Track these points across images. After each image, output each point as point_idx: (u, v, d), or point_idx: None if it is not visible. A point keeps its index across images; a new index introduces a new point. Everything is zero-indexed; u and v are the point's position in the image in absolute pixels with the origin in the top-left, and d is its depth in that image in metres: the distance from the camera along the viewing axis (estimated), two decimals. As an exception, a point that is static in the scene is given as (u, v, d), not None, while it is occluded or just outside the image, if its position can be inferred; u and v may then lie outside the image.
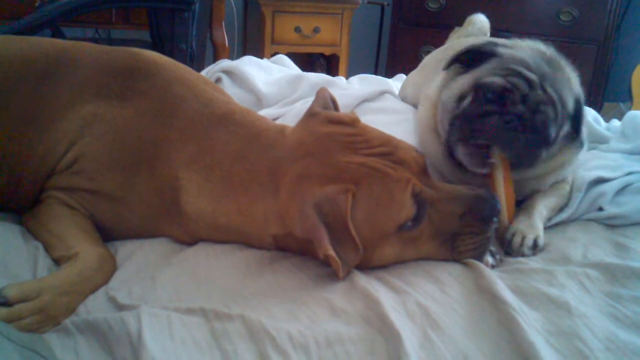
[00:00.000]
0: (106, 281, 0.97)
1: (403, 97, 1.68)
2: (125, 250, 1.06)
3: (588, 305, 0.90)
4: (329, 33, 3.30)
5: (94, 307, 0.90)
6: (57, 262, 1.00)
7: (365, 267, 0.96)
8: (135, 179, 1.06)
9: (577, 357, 0.80)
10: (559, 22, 3.20)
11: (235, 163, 1.01)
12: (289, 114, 1.52)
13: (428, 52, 2.09)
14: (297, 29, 3.23)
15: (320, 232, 0.87)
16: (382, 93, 1.65)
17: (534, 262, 1.04)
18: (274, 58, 2.06)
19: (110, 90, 1.10)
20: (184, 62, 2.04)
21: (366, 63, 3.84)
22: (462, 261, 0.99)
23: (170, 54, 2.09)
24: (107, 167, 1.06)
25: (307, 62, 3.59)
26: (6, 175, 1.09)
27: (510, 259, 1.07)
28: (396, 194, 0.93)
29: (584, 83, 1.20)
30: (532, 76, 1.09)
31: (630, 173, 1.27)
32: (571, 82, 1.16)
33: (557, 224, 1.19)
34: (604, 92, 3.46)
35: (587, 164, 1.34)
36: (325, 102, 1.06)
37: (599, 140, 1.54)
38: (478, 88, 1.12)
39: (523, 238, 1.08)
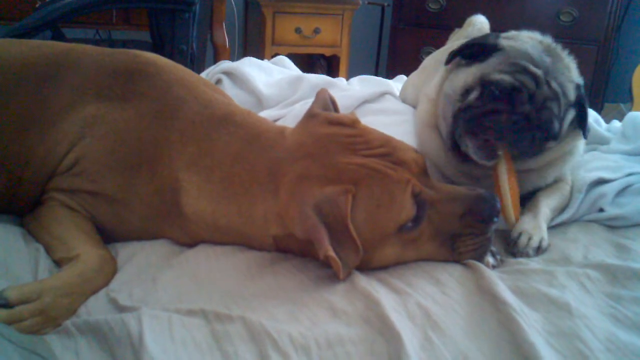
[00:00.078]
0: (107, 283, 0.97)
1: (403, 98, 1.68)
2: (126, 251, 1.06)
3: (588, 306, 0.90)
4: (330, 34, 3.30)
5: (95, 308, 0.90)
6: (58, 263, 1.00)
7: (366, 268, 0.96)
8: (136, 181, 1.06)
9: (578, 358, 0.80)
10: (559, 22, 3.20)
11: (235, 164, 1.01)
12: (289, 115, 1.52)
13: (428, 52, 2.09)
14: (298, 30, 3.23)
15: (321, 233, 0.87)
16: (382, 94, 1.65)
17: (534, 263, 1.04)
18: (274, 59, 2.06)
19: (111, 92, 1.10)
20: (185, 63, 2.05)
21: (366, 64, 3.84)
22: (463, 262, 0.99)
23: (170, 54, 2.10)
24: (107, 169, 1.07)
25: (307, 63, 3.59)
26: (7, 177, 1.09)
27: (511, 260, 1.07)
28: (396, 195, 0.93)
29: (584, 84, 1.20)
30: (538, 72, 1.10)
31: (630, 174, 1.27)
32: (571, 71, 1.17)
33: (557, 225, 1.19)
34: (605, 93, 3.46)
35: (587, 165, 1.34)
36: (325, 103, 1.07)
37: (600, 141, 1.54)
38: (485, 84, 1.12)
39: (529, 239, 1.08)
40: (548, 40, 1.19)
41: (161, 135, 1.06)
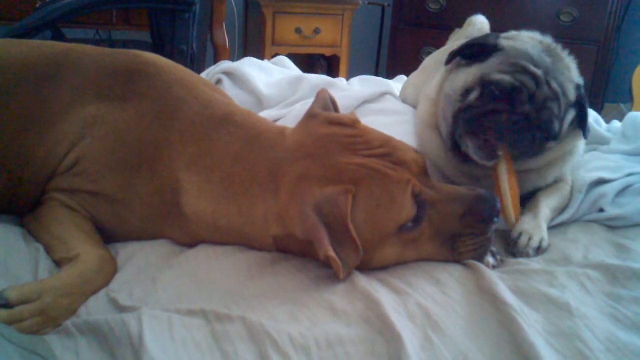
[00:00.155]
0: (107, 283, 0.97)
1: (403, 99, 1.68)
2: (126, 251, 1.06)
3: (588, 306, 0.90)
4: (330, 34, 3.30)
5: (95, 308, 0.90)
6: (58, 263, 1.00)
7: (366, 268, 0.96)
8: (136, 181, 1.06)
9: (578, 358, 0.80)
10: (559, 22, 3.20)
11: (235, 164, 1.01)
12: (289, 115, 1.52)
13: (428, 52, 2.09)
14: (298, 30, 3.23)
15: (321, 233, 0.87)
16: (382, 94, 1.65)
17: (534, 263, 1.04)
18: (274, 59, 2.06)
19: (110, 92, 1.10)
20: (185, 63, 2.05)
21: (366, 64, 3.85)
22: (463, 262, 0.99)
23: (170, 54, 2.10)
24: (107, 169, 1.07)
25: (307, 63, 3.59)
26: (7, 177, 1.09)
27: (511, 260, 1.07)
28: (396, 195, 0.93)
29: (584, 84, 1.20)
30: (538, 72, 1.10)
31: (630, 174, 1.27)
32: (570, 70, 1.17)
33: (557, 225, 1.19)
34: (605, 93, 3.46)
35: (587, 165, 1.34)
36: (325, 103, 1.07)
37: (600, 141, 1.54)
38: (485, 84, 1.12)
39: (529, 239, 1.09)
40: (548, 40, 1.19)
41: (161, 135, 1.06)
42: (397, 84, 1.90)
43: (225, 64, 1.78)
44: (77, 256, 0.98)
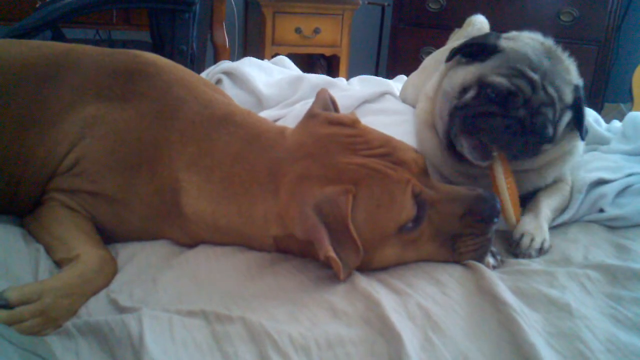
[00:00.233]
0: (107, 283, 0.97)
1: (403, 99, 1.68)
2: (126, 252, 1.06)
3: (589, 307, 0.90)
4: (330, 34, 3.30)
5: (95, 309, 0.90)
6: (59, 264, 1.00)
7: (366, 268, 0.96)
8: (136, 181, 1.06)
9: (578, 359, 0.80)
10: (559, 22, 3.20)
11: (235, 164, 1.01)
12: (289, 115, 1.52)
13: (429, 52, 2.09)
14: (298, 30, 3.23)
15: (321, 233, 0.87)
16: (382, 94, 1.65)
17: (535, 264, 1.04)
18: (274, 59, 2.06)
19: (111, 92, 1.10)
20: (185, 63, 2.05)
21: (367, 64, 3.84)
22: (463, 263, 0.99)
23: (170, 55, 2.10)
24: (108, 169, 1.07)
25: (307, 63, 3.59)
26: (7, 177, 1.09)
27: (511, 260, 1.07)
28: (396, 195, 0.93)
29: (584, 84, 1.20)
30: (535, 77, 1.10)
31: (631, 174, 1.27)
32: (570, 72, 1.17)
33: (558, 225, 1.19)
34: (605, 93, 3.46)
35: (587, 165, 1.34)
36: (325, 103, 1.07)
37: (600, 142, 1.54)
38: (483, 85, 1.12)
39: (532, 240, 1.09)
40: (549, 42, 1.19)
41: (161, 136, 1.06)
42: (397, 84, 1.90)
43: (225, 64, 1.78)
44: (77, 257, 0.98)
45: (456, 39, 1.71)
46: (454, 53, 1.23)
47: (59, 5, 1.88)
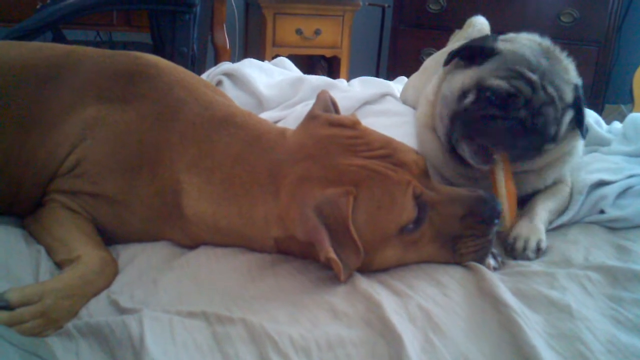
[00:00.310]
0: (108, 285, 0.97)
1: (404, 100, 1.68)
2: (127, 253, 1.06)
3: (589, 308, 0.90)
4: (330, 35, 3.30)
5: (96, 310, 0.90)
6: (59, 265, 1.00)
7: (367, 270, 0.96)
8: (137, 182, 1.06)
9: (579, 360, 0.80)
10: (559, 23, 3.20)
11: (235, 165, 1.01)
12: (289, 116, 1.52)
13: (429, 54, 2.09)
14: (298, 31, 3.23)
15: (321, 235, 0.87)
16: (383, 95, 1.65)
17: (535, 265, 1.04)
18: (275, 60, 2.06)
19: (111, 94, 1.10)
20: (185, 65, 2.05)
21: (367, 65, 3.85)
22: (464, 264, 0.99)
23: (171, 56, 2.10)
24: (109, 170, 1.07)
25: (308, 64, 3.59)
26: (8, 179, 1.09)
27: (512, 262, 1.07)
28: (397, 197, 0.93)
29: (584, 85, 1.20)
30: (534, 77, 1.10)
31: (631, 176, 1.27)
32: (568, 72, 1.17)
33: (558, 227, 1.19)
34: (605, 94, 3.46)
35: (588, 166, 1.34)
36: (325, 104, 1.07)
37: (600, 143, 1.54)
38: (482, 89, 1.12)
39: (526, 242, 1.08)
40: (547, 42, 1.19)
41: (162, 137, 1.06)
42: (397, 85, 1.90)
43: (225, 66, 1.79)
44: (78, 258, 0.98)
45: (456, 40, 1.71)
46: (451, 57, 1.23)
47: (59, 7, 1.88)
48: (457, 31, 1.80)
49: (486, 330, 0.84)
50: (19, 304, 0.85)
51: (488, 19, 1.70)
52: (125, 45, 2.70)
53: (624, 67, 3.43)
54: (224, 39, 2.97)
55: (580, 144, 1.26)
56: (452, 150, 1.18)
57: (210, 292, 0.93)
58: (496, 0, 3.25)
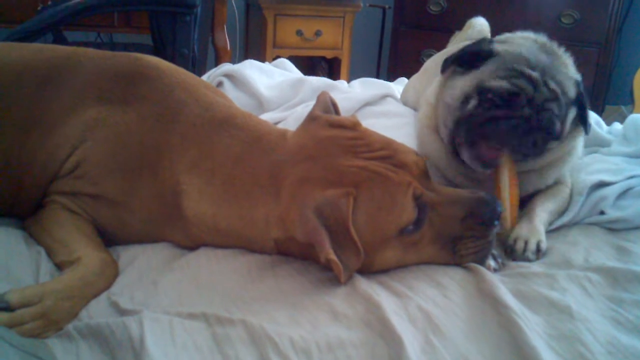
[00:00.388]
0: (108, 286, 0.97)
1: (404, 101, 1.68)
2: (128, 255, 1.06)
3: (590, 309, 0.90)
4: (331, 36, 3.30)
5: (96, 312, 0.90)
6: (60, 267, 1.00)
7: (367, 271, 0.96)
8: (137, 184, 1.06)
9: (579, 361, 0.80)
10: (560, 24, 3.20)
11: (236, 167, 1.01)
12: (290, 117, 1.52)
13: (430, 55, 2.09)
14: (299, 33, 3.24)
15: (322, 236, 0.87)
16: (383, 97, 1.66)
17: (535, 266, 1.04)
18: (275, 61, 2.07)
19: (112, 95, 1.10)
20: (186, 66, 2.05)
21: (368, 66, 3.85)
22: (464, 265, 0.99)
23: (172, 57, 2.10)
24: (109, 172, 1.07)
25: (308, 65, 3.60)
26: (8, 180, 1.09)
27: (512, 263, 1.07)
28: (397, 198, 0.93)
29: (585, 87, 1.20)
30: (535, 74, 1.09)
31: (631, 177, 1.27)
32: (568, 67, 1.17)
33: (558, 228, 1.19)
34: (606, 95, 3.46)
35: (588, 167, 1.34)
36: (326, 105, 1.07)
37: (601, 144, 1.54)
38: (483, 92, 1.12)
39: (526, 243, 1.08)
40: (543, 38, 1.19)
41: (162, 138, 1.06)
42: (398, 86, 1.90)
43: (226, 67, 1.79)
44: (78, 259, 0.98)
45: (457, 42, 1.71)
46: (448, 64, 1.22)
47: (60, 8, 1.88)
48: (457, 32, 1.80)
49: (486, 332, 0.84)
50: (19, 305, 0.86)
51: (488, 20, 1.71)
52: (126, 47, 2.70)
53: (624, 68, 3.43)
54: (225, 40, 2.97)
55: (580, 143, 1.25)
56: (455, 153, 1.18)
57: (210, 294, 0.93)
58: (496, 1, 3.26)
